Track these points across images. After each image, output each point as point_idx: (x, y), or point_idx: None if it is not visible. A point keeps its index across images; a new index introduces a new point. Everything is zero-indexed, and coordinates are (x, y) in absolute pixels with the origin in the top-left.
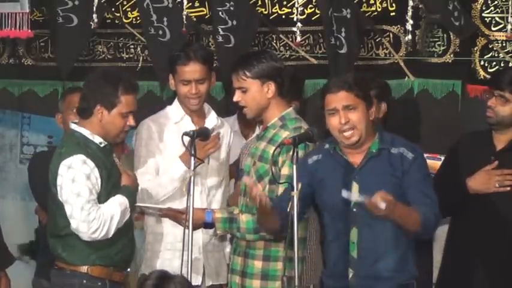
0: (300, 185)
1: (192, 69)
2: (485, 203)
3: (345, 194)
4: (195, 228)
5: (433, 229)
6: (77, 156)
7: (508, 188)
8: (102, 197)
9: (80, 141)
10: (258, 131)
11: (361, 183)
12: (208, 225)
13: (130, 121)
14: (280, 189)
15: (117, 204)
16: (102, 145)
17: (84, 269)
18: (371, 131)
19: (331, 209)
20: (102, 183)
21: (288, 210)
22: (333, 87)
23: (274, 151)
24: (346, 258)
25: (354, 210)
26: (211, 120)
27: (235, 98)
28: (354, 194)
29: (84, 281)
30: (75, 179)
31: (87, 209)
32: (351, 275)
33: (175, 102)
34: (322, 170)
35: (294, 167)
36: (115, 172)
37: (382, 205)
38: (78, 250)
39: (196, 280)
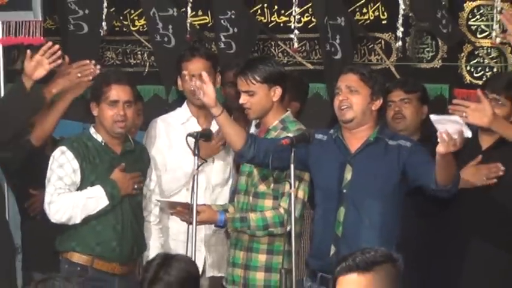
0: (297, 183)
1: (196, 65)
2: (470, 197)
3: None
4: (205, 224)
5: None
6: (60, 147)
7: (495, 180)
8: (83, 185)
9: (81, 136)
10: (252, 129)
11: (354, 167)
12: (219, 224)
13: (119, 110)
14: (286, 187)
15: (84, 193)
16: (102, 143)
17: (66, 254)
18: (370, 119)
19: (323, 188)
20: (84, 174)
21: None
22: (345, 70)
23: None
24: (331, 236)
25: (344, 191)
26: None
27: (241, 101)
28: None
29: (66, 266)
30: (51, 166)
31: (50, 193)
32: (332, 252)
33: (184, 104)
34: (322, 149)
35: (292, 166)
36: (107, 167)
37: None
38: (64, 237)
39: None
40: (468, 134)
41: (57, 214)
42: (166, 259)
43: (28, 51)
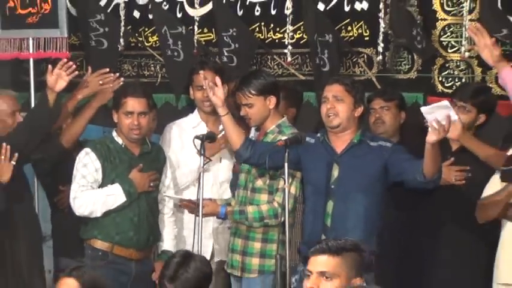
0: (290, 180)
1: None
2: (442, 192)
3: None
4: (209, 216)
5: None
6: (85, 149)
7: (463, 182)
8: (105, 182)
9: (104, 139)
10: (252, 133)
11: (341, 165)
12: (221, 217)
13: (134, 120)
14: (281, 183)
15: (104, 191)
16: (122, 145)
17: (89, 241)
18: (353, 124)
19: (313, 184)
20: (105, 173)
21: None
22: (331, 81)
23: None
24: (321, 227)
25: (332, 187)
26: None
27: (242, 113)
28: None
29: (89, 251)
30: (76, 166)
31: (75, 189)
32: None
33: (195, 111)
34: (312, 151)
35: (286, 164)
36: (126, 167)
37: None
38: (87, 226)
39: (205, 255)
40: (455, 117)
41: (80, 208)
42: (185, 258)
43: (49, 66)
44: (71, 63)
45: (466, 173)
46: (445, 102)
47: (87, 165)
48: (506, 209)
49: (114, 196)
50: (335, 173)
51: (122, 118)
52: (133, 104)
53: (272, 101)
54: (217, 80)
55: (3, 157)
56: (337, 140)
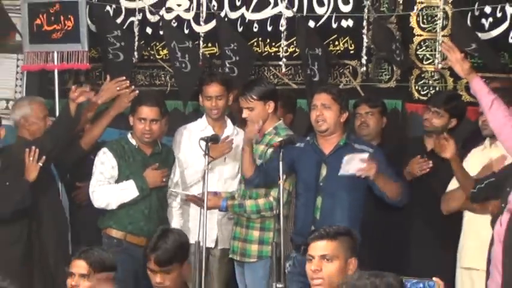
0: (285, 176)
1: (213, 88)
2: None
3: (343, 168)
4: (212, 209)
5: (405, 201)
6: (103, 149)
7: (428, 170)
8: (120, 179)
9: (120, 140)
10: None
11: (328, 165)
12: (222, 209)
13: (146, 126)
14: (286, 186)
15: (120, 186)
16: (136, 146)
17: (105, 230)
18: (339, 128)
19: (304, 182)
20: (120, 170)
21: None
22: (319, 90)
23: (263, 150)
24: (311, 219)
25: (321, 184)
26: (229, 129)
27: (244, 115)
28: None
29: (106, 240)
30: (95, 163)
31: (93, 184)
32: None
33: (204, 116)
34: (302, 154)
35: (280, 163)
36: (140, 165)
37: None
38: (104, 217)
39: (210, 243)
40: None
41: (98, 201)
42: (164, 231)
43: (73, 87)
44: (92, 93)
45: (427, 164)
46: (363, 155)
47: (104, 162)
48: (466, 202)
49: (128, 191)
50: (323, 171)
51: (136, 123)
52: (146, 111)
53: (271, 105)
54: (259, 124)
55: (31, 158)
56: (325, 143)
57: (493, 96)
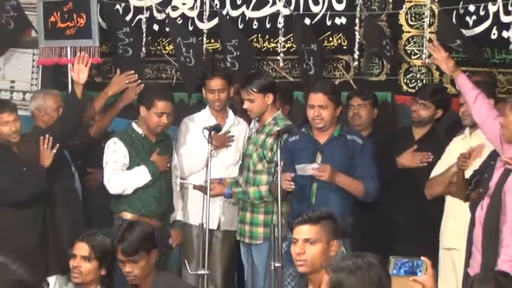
0: (282, 162)
1: (215, 82)
2: (405, 176)
3: (299, 171)
4: (217, 196)
5: (373, 196)
6: (112, 139)
7: (425, 164)
8: (131, 166)
9: (126, 130)
10: (252, 124)
11: (323, 155)
12: (227, 196)
13: (163, 120)
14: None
15: (134, 172)
16: (143, 135)
17: (119, 214)
18: (335, 121)
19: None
20: (131, 158)
21: (274, 179)
22: (316, 89)
23: (263, 139)
24: (307, 203)
25: None
26: (230, 119)
27: (244, 106)
28: (306, 170)
29: (120, 222)
30: (107, 153)
31: (109, 173)
32: None
33: (207, 107)
34: (298, 146)
35: (279, 150)
36: (147, 152)
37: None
38: (117, 202)
39: (213, 226)
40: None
41: (115, 188)
42: (130, 224)
43: (69, 65)
44: (84, 54)
45: (429, 158)
46: (314, 165)
47: (116, 151)
48: (448, 187)
49: (142, 176)
50: (318, 160)
51: (152, 116)
52: (163, 106)
53: (270, 97)
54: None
55: (45, 146)
56: (320, 134)
57: (477, 91)
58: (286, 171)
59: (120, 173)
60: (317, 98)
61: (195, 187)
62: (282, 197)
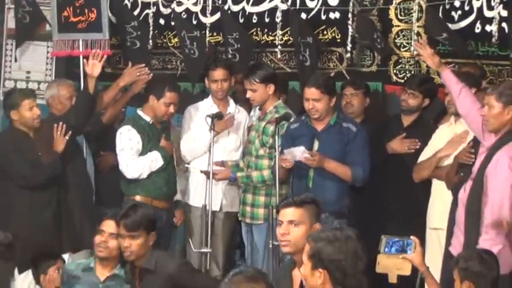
0: (280, 148)
1: (218, 72)
2: (394, 161)
3: (287, 154)
4: (222, 180)
5: (362, 181)
6: (125, 126)
7: (413, 151)
8: (144, 151)
9: (135, 117)
10: (252, 112)
11: (320, 141)
12: (232, 180)
13: (171, 109)
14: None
15: (149, 157)
16: (150, 122)
17: (133, 197)
18: (330, 111)
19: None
20: (144, 144)
21: (273, 164)
22: (310, 83)
23: (264, 126)
24: (305, 187)
25: None
26: (231, 108)
27: (247, 95)
28: (294, 155)
29: None
30: (122, 140)
31: (126, 159)
32: None
33: (209, 96)
34: (298, 132)
35: (277, 137)
36: (156, 138)
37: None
38: (131, 186)
39: (215, 207)
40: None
41: (133, 173)
42: (134, 205)
43: (84, 60)
44: (98, 51)
45: (416, 144)
46: (301, 148)
47: (132, 139)
48: (434, 171)
49: (156, 161)
50: (315, 146)
51: (161, 105)
52: (171, 96)
53: (271, 87)
54: None
55: (59, 133)
56: (317, 122)
57: (461, 85)
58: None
59: (137, 159)
60: (311, 92)
61: (202, 172)
62: (282, 180)
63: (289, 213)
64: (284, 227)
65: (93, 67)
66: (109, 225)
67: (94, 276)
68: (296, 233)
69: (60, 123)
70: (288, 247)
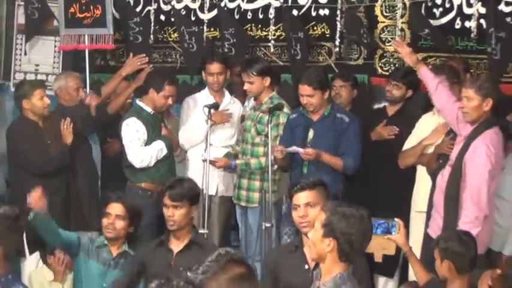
0: (272, 135)
1: (214, 66)
2: (380, 148)
3: (289, 149)
4: (223, 167)
5: (353, 170)
6: (131, 118)
7: (393, 136)
8: (149, 141)
9: (137, 109)
10: (247, 103)
11: (315, 131)
12: (231, 167)
13: (169, 101)
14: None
15: (155, 146)
16: (151, 113)
17: (140, 184)
18: (325, 103)
19: (296, 143)
20: (148, 134)
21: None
22: (303, 81)
23: (259, 116)
24: (300, 173)
25: (309, 145)
26: (226, 99)
27: (245, 87)
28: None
29: (140, 192)
30: (129, 131)
31: (136, 149)
32: None
33: (206, 88)
34: (296, 122)
35: (270, 125)
36: (158, 128)
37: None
38: (137, 174)
39: (212, 192)
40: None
41: (142, 162)
42: (181, 179)
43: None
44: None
45: (394, 131)
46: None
47: (138, 130)
48: (419, 158)
49: (162, 150)
50: (310, 135)
51: (160, 98)
52: (171, 90)
53: (267, 80)
54: None
55: (65, 126)
56: (313, 114)
57: (437, 80)
58: (283, 144)
59: (145, 149)
60: (304, 89)
61: (204, 160)
62: (283, 167)
63: (304, 197)
64: (302, 209)
65: (91, 100)
66: (115, 208)
67: (108, 252)
68: (313, 214)
69: (68, 119)
70: (308, 227)
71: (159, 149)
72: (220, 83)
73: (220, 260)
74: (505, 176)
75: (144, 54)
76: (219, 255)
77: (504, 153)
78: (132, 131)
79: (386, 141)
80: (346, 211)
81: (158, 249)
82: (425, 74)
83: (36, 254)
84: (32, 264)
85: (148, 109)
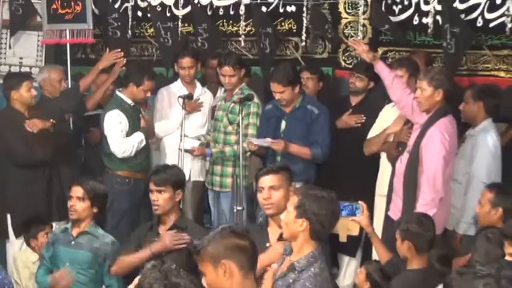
0: (244, 123)
1: (186, 60)
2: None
3: (256, 141)
4: (200, 156)
5: (321, 159)
6: (115, 110)
7: (359, 125)
8: (129, 132)
9: (119, 101)
10: (219, 93)
11: (286, 122)
12: (208, 156)
13: (148, 94)
14: (250, 130)
15: (136, 138)
16: (132, 105)
17: (117, 172)
18: (296, 96)
19: (269, 134)
20: (130, 125)
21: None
22: (273, 79)
23: (230, 106)
24: (273, 161)
25: (282, 135)
26: (198, 90)
27: (225, 80)
28: (261, 142)
29: (118, 179)
30: (113, 123)
31: (118, 140)
32: None
33: (179, 80)
34: (270, 114)
35: (241, 115)
36: (137, 119)
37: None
38: (116, 162)
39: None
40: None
41: (125, 153)
42: (167, 165)
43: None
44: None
45: (361, 119)
46: (267, 140)
47: (122, 122)
48: (383, 146)
49: (142, 141)
50: (282, 125)
51: (140, 91)
52: (149, 84)
53: (242, 72)
54: None
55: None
56: (285, 106)
57: (393, 75)
58: (259, 135)
59: (127, 139)
60: (275, 86)
61: (186, 150)
62: (260, 154)
63: (268, 180)
64: (266, 192)
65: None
66: (76, 191)
67: (69, 234)
68: (277, 196)
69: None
70: (271, 209)
71: (139, 140)
72: (191, 75)
73: (222, 231)
74: (458, 160)
75: (120, 49)
76: (223, 228)
77: (458, 140)
78: (116, 123)
79: (350, 129)
80: (317, 193)
81: (149, 232)
82: (381, 69)
83: (21, 237)
84: (16, 246)
85: (129, 101)
